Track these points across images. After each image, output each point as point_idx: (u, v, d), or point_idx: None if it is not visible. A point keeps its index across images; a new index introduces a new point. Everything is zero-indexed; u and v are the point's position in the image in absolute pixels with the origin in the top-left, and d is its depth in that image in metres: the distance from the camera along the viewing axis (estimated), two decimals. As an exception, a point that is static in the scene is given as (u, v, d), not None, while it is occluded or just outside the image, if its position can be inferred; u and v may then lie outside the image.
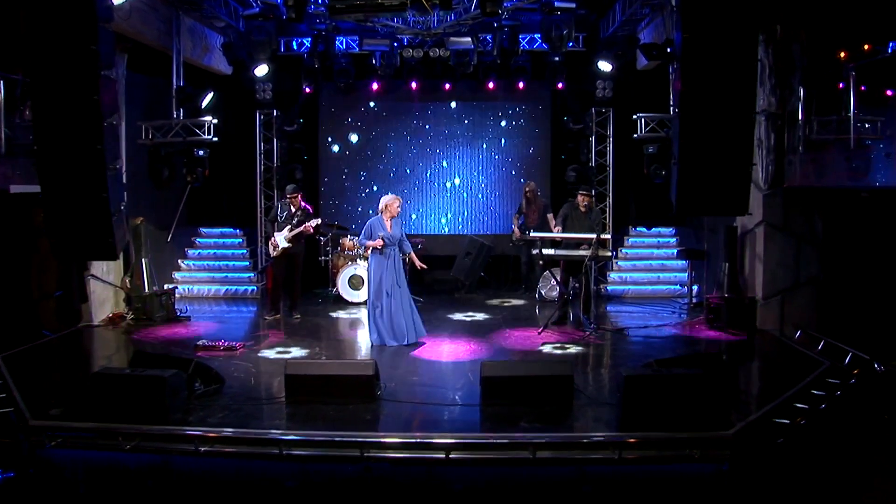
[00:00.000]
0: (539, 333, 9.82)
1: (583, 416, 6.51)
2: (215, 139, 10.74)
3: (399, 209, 9.33)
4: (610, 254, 10.11)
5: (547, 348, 9.12)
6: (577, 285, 10.13)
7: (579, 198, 10.53)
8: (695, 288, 12.43)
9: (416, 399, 6.91)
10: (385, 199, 9.29)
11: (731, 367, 8.02)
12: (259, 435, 5.99)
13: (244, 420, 6.36)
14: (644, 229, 14.18)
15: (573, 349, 9.08)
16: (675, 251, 13.59)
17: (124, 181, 11.01)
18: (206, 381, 7.02)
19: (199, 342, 9.09)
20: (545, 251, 10.05)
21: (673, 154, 7.00)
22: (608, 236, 10.18)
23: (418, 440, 5.89)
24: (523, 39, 13.11)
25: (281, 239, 10.66)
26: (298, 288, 11.22)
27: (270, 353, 8.82)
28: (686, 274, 12.91)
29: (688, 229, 13.90)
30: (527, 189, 13.07)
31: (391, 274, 9.20)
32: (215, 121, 10.73)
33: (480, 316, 11.28)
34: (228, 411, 6.55)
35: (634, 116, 10.78)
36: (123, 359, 8.51)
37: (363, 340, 9.62)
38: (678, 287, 13.02)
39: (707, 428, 6.06)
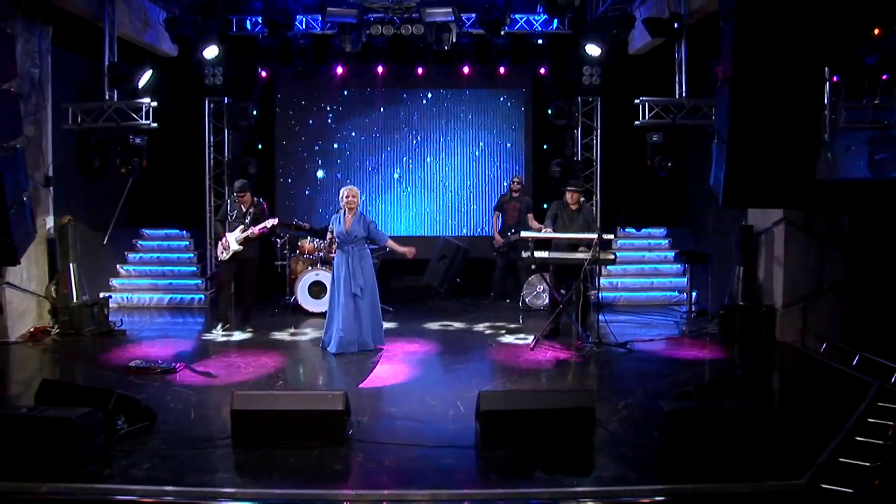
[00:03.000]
0: (531, 349, 8.56)
1: (610, 460, 5.17)
2: (154, 125, 9.26)
3: (351, 200, 8.50)
4: (613, 256, 8.86)
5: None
6: (563, 292, 8.90)
7: (568, 195, 9.24)
8: (693, 294, 11.30)
9: (396, 439, 5.51)
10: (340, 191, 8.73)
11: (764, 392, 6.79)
12: (195, 498, 4.54)
13: (178, 471, 4.91)
14: (633, 230, 12.99)
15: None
16: (672, 254, 12.43)
17: (50, 173, 9.62)
18: (132, 417, 5.56)
19: (132, 363, 7.61)
20: (538, 254, 8.75)
21: (718, 134, 5.71)
22: (612, 236, 8.90)
23: (405, 501, 4.50)
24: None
25: (232, 240, 9.25)
26: (252, 297, 9.80)
27: (217, 377, 7.38)
28: (685, 279, 11.83)
29: (682, 230, 12.78)
30: (515, 181, 11.76)
31: (351, 274, 8.40)
32: (154, 104, 9.24)
33: (459, 328, 9.95)
34: (158, 459, 5.11)
35: (636, 101, 9.53)
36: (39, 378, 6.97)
37: (329, 362, 8.19)
38: (676, 293, 11.84)
39: (770, 475, 4.80)
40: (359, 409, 6.00)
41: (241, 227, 9.27)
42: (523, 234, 9.00)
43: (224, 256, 9.38)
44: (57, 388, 5.72)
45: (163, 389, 6.82)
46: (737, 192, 5.63)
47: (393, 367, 7.84)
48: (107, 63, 9.07)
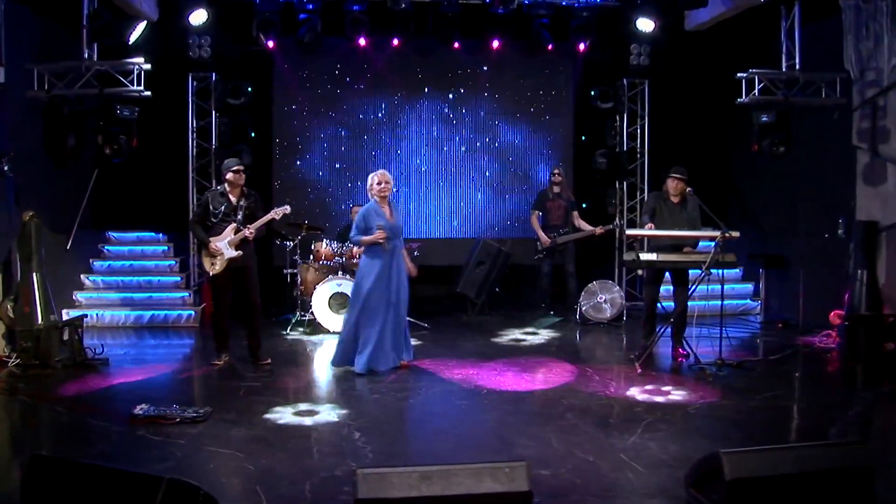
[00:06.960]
0: (639, 371, 6.92)
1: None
2: (147, 93, 7.22)
3: (385, 187, 7.03)
4: (734, 257, 7.27)
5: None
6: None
7: (670, 183, 7.62)
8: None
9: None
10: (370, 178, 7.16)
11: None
12: None
13: None
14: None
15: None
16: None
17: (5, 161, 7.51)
18: (188, 511, 3.59)
19: (138, 410, 5.54)
20: (644, 256, 7.08)
21: None
22: (737, 234, 7.28)
23: None
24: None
25: (224, 246, 7.05)
26: (260, 319, 7.48)
27: (269, 421, 5.43)
28: (748, 285, 10.65)
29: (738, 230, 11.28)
30: (556, 172, 10.06)
31: (391, 278, 6.99)
32: (148, 66, 7.20)
33: (524, 346, 8.24)
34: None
35: (740, 75, 7.96)
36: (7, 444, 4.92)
37: (399, 399, 6.27)
38: (748, 301, 10.37)
39: None
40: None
41: (234, 225, 7.08)
42: (629, 231, 7.31)
43: (216, 269, 7.14)
44: (59, 470, 3.67)
45: (195, 451, 4.82)
46: None
47: (490, 406, 6.01)
48: (86, 12, 6.97)
